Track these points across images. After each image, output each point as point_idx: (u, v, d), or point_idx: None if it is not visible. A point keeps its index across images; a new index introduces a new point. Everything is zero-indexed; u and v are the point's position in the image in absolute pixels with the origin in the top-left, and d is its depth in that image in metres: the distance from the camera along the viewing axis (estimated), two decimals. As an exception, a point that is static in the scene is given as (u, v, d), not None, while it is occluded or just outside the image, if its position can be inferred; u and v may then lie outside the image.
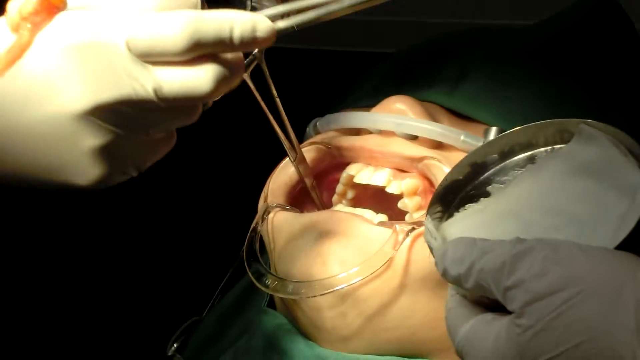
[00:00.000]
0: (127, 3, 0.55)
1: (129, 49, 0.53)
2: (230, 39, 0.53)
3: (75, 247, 1.30)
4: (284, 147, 0.74)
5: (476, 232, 0.58)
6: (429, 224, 0.63)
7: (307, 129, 0.84)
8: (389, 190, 0.75)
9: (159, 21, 0.52)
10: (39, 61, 0.53)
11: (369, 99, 0.81)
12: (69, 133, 0.54)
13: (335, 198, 0.79)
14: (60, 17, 0.54)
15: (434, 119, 0.76)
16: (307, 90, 1.24)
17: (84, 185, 0.56)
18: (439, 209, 0.65)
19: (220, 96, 0.55)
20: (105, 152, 0.55)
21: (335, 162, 0.79)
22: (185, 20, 0.52)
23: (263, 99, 0.70)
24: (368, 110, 0.77)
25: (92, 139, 0.54)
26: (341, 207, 0.77)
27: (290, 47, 1.28)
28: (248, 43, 0.54)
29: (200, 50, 0.53)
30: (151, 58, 0.53)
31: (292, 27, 0.57)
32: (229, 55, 0.54)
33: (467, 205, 0.64)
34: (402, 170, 0.76)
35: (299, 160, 0.76)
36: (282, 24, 0.57)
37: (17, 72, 0.53)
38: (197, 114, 0.57)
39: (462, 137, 0.74)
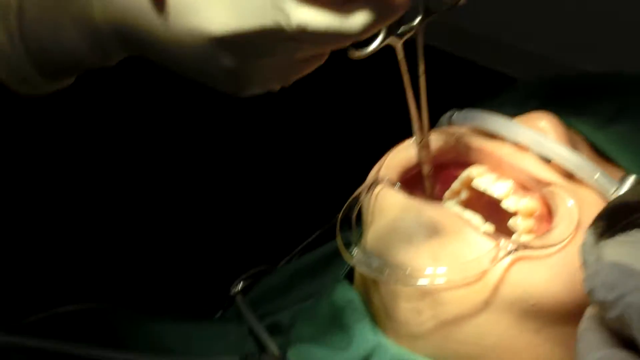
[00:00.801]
0: None
1: None
2: None
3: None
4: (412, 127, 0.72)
5: (636, 261, 0.55)
6: (590, 236, 0.59)
7: (441, 119, 0.81)
8: (505, 204, 0.71)
9: None
10: None
11: (514, 107, 0.77)
12: (207, 51, 0.55)
13: (447, 194, 0.75)
14: None
15: (574, 147, 0.72)
16: (447, 91, 1.22)
17: (230, 93, 0.57)
18: (602, 224, 0.61)
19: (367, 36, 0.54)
20: (242, 72, 0.56)
21: (459, 158, 0.76)
22: None
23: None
24: (510, 119, 0.74)
25: (228, 60, 0.55)
26: (451, 205, 0.74)
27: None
28: None
29: None
30: None
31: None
32: None
33: (632, 232, 0.60)
34: (524, 187, 0.73)
35: (424, 144, 0.73)
36: None
37: None
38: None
39: (596, 175, 0.70)
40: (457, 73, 1.44)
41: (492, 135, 0.75)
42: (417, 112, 0.71)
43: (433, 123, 0.75)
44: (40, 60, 0.61)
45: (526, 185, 0.73)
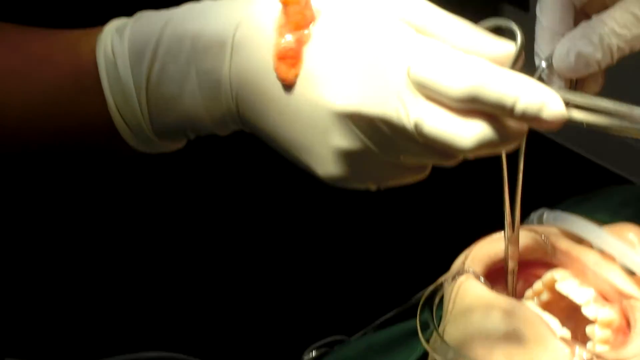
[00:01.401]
0: None
1: (409, 74, 0.52)
2: (512, 109, 0.51)
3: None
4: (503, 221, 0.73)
5: None
6: None
7: (532, 215, 0.83)
8: (584, 311, 0.72)
9: (445, 60, 0.52)
10: (320, 49, 0.56)
11: (606, 215, 0.78)
12: (322, 125, 0.55)
13: (528, 292, 0.76)
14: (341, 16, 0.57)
15: None
16: (541, 180, 1.22)
17: (321, 177, 0.58)
18: None
19: (480, 156, 0.53)
20: (349, 157, 0.56)
21: (544, 258, 0.76)
22: (471, 72, 0.51)
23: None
24: (600, 226, 0.75)
25: (340, 140, 0.55)
26: (531, 305, 0.75)
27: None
28: (529, 119, 0.51)
29: (476, 106, 0.51)
30: (426, 91, 0.52)
31: (582, 124, 0.54)
32: (510, 122, 0.52)
33: None
34: (605, 297, 0.73)
35: (513, 240, 0.74)
36: (576, 114, 0.54)
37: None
38: (453, 160, 0.55)
39: None
40: (559, 163, 1.43)
41: (579, 240, 0.76)
42: (510, 206, 0.72)
43: (524, 214, 0.76)
44: (159, 124, 0.64)
45: (607, 295, 0.73)
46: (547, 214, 0.80)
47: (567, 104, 0.53)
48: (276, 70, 0.57)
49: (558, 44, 0.66)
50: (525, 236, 0.76)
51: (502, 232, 0.75)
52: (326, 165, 0.57)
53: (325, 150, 0.56)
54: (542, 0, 0.67)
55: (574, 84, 0.68)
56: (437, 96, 0.51)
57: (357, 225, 1.33)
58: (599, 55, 0.65)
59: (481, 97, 0.50)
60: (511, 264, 0.75)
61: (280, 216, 1.33)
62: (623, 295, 0.72)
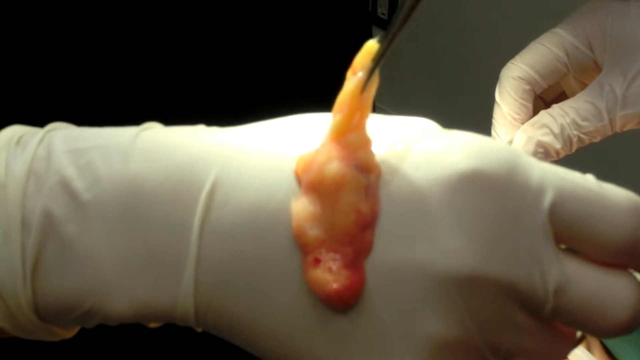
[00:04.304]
0: None
1: (553, 216, 0.34)
2: None
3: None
4: None
5: None
6: None
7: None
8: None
9: (608, 193, 0.35)
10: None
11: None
12: (412, 305, 0.35)
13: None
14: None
15: (589, 348, 0.73)
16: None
17: None
18: None
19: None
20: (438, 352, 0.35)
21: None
22: (632, 213, 0.35)
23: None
24: None
25: (436, 323, 0.34)
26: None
27: None
28: None
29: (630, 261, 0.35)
30: (572, 236, 0.35)
31: None
32: None
33: None
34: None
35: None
36: None
37: None
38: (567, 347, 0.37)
39: None
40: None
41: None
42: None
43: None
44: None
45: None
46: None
47: None
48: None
49: (518, 131, 0.64)
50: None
51: None
52: None
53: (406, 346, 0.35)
54: (501, 85, 0.65)
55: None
56: (588, 247, 0.35)
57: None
58: (558, 146, 0.63)
59: None
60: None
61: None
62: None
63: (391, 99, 2.47)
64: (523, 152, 0.35)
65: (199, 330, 0.37)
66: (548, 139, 0.63)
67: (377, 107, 2.11)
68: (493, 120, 0.66)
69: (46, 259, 0.36)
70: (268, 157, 0.36)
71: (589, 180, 0.35)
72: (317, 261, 0.34)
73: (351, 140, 0.35)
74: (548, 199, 0.34)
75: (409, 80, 2.42)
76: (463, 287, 0.34)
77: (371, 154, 0.35)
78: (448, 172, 0.34)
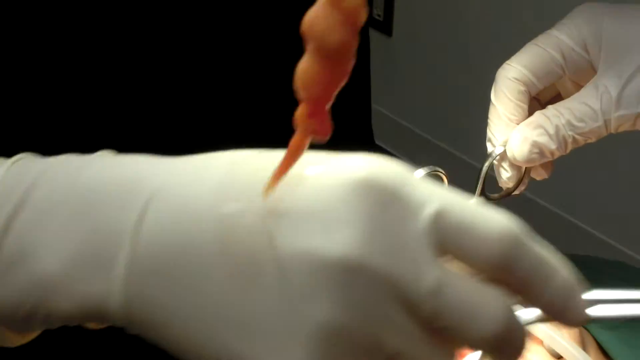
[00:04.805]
0: None
1: (435, 224, 0.38)
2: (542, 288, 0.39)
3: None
4: None
5: None
6: None
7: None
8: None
9: (486, 214, 0.38)
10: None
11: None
12: (301, 290, 0.38)
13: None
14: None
15: (583, 345, 0.73)
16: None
17: None
18: None
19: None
20: (325, 339, 0.38)
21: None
22: (508, 227, 0.38)
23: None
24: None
25: (323, 310, 0.37)
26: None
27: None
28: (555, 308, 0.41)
29: (507, 277, 0.39)
30: (451, 247, 0.38)
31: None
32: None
33: None
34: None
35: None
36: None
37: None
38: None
39: None
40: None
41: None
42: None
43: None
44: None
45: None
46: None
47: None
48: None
49: (513, 132, 0.64)
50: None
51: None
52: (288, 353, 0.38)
53: (294, 330, 0.38)
54: (497, 86, 0.65)
55: (524, 171, 0.67)
56: (464, 256, 0.39)
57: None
58: (553, 146, 0.63)
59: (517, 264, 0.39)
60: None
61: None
62: (549, 380, 0.71)
63: (390, 101, 2.48)
64: (414, 174, 0.40)
65: (134, 332, 0.40)
66: (543, 139, 0.63)
67: (376, 110, 2.14)
68: (488, 121, 0.66)
69: None
70: (199, 169, 0.41)
71: (471, 201, 0.39)
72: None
73: None
74: (432, 208, 0.38)
75: (408, 82, 2.43)
76: (350, 275, 0.37)
77: None
78: (348, 178, 0.39)
